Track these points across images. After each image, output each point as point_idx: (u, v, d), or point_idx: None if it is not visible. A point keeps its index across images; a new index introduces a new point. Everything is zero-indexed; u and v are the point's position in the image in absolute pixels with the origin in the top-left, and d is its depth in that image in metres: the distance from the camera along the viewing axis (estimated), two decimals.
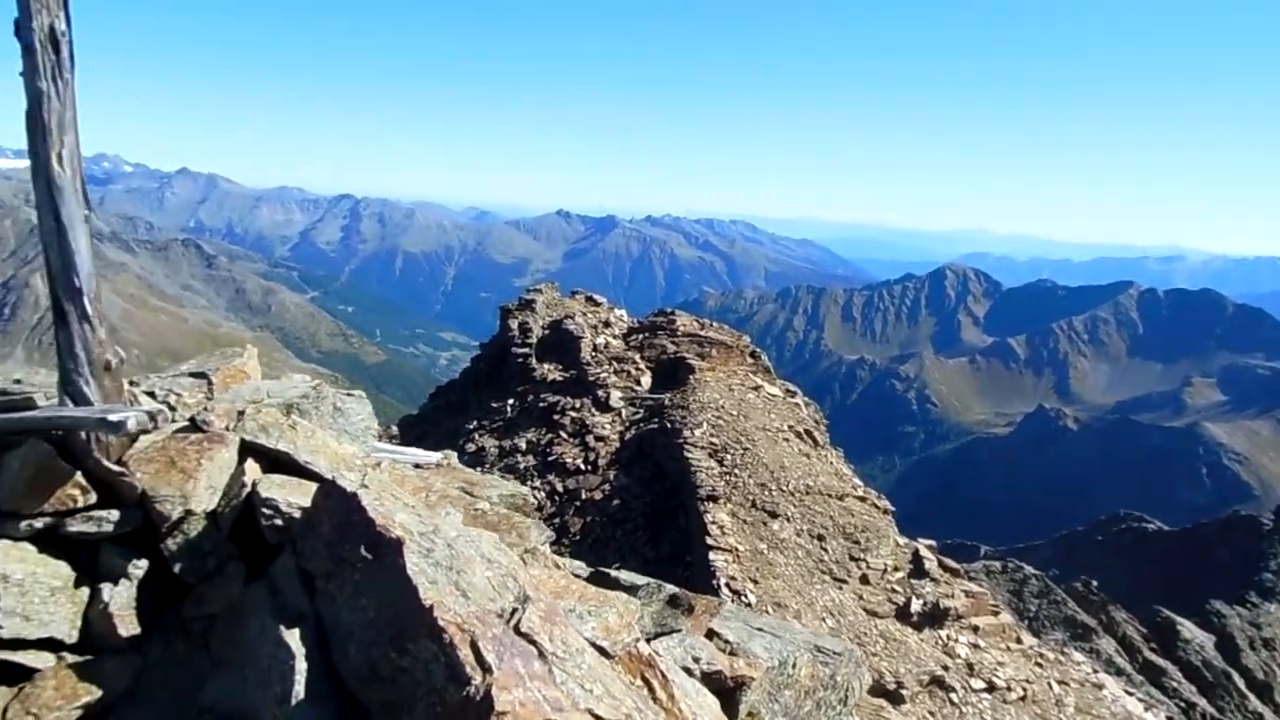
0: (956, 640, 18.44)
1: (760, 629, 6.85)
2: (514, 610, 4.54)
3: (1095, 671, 21.43)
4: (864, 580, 18.65)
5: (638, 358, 27.65)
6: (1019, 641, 19.96)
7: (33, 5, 4.82)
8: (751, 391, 25.20)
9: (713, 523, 18.14)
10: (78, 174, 5.26)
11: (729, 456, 20.77)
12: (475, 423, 26.89)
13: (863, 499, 21.47)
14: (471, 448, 24.93)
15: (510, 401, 26.97)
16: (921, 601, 18.51)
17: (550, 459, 23.54)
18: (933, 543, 23.00)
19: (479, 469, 19.18)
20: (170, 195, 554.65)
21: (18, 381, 6.08)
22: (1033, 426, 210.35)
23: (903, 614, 18.19)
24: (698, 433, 21.68)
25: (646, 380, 26.81)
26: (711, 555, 17.16)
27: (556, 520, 21.25)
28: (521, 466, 23.45)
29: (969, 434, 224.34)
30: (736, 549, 17.54)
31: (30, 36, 4.87)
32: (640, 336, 29.25)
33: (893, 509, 22.32)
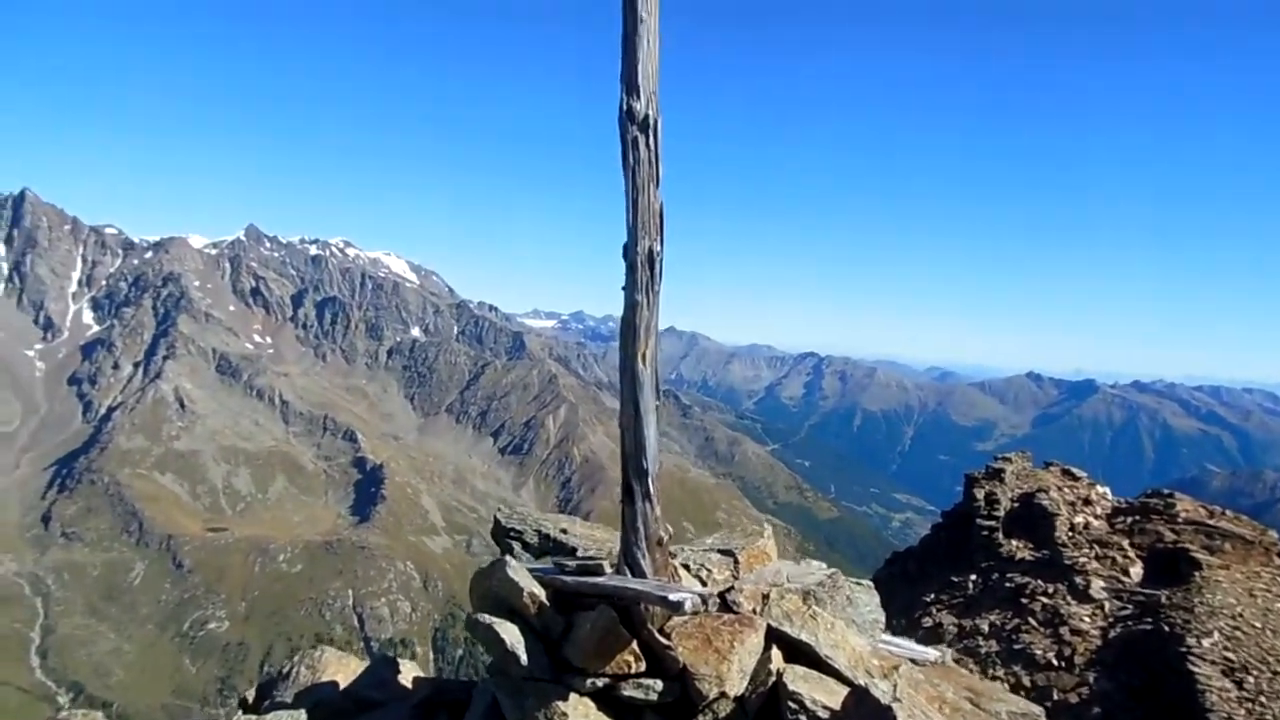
0: None
1: None
2: None
3: None
4: None
5: (1125, 544, 24.26)
6: None
7: (638, 233, 6.01)
8: None
9: None
10: (656, 371, 6.26)
11: (1251, 679, 17.02)
12: (933, 596, 25.45)
13: None
14: (928, 622, 23.56)
15: (972, 577, 25.17)
16: None
17: (1016, 647, 21.29)
18: None
19: (934, 646, 18.02)
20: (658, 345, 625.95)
21: (564, 531, 7.16)
22: None
23: None
24: (1206, 643, 18.17)
25: (1136, 571, 23.34)
26: None
27: None
28: (982, 651, 21.52)
29: None
30: None
31: (633, 257, 6.05)
32: (1128, 519, 25.73)
33: None
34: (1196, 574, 21.17)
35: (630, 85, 5.99)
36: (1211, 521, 24.30)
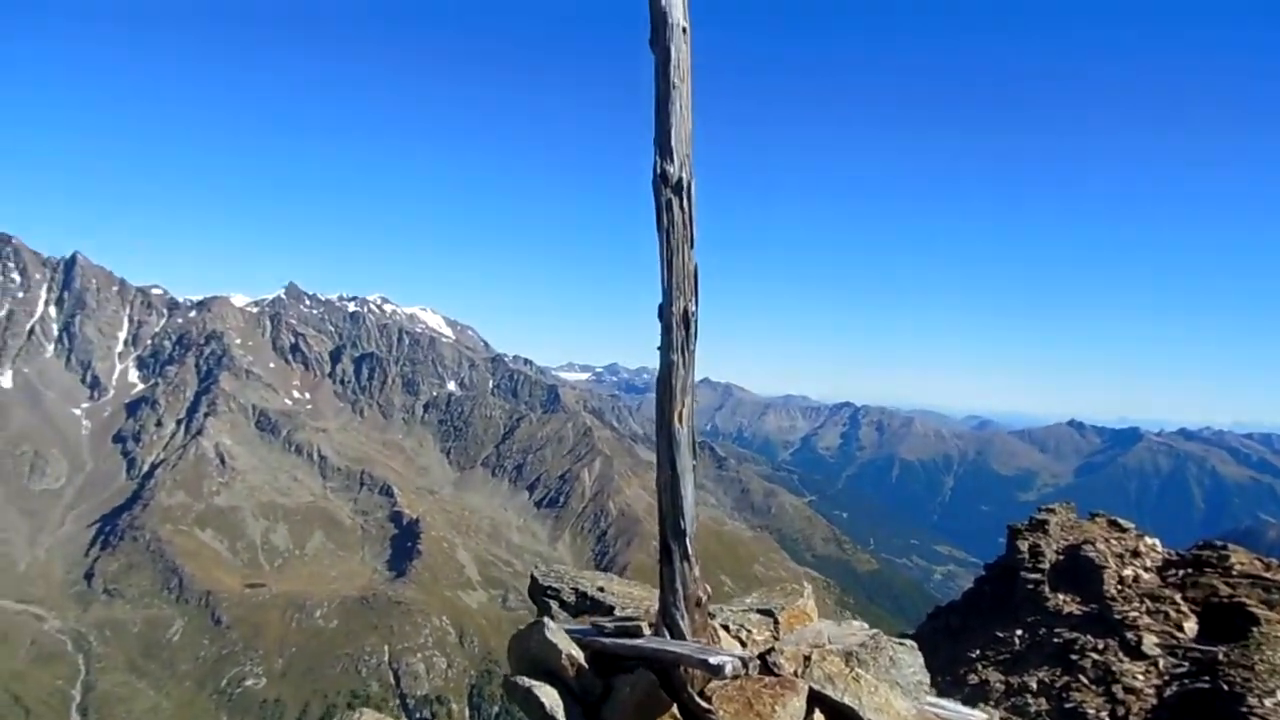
0: None
1: None
2: None
3: None
4: None
5: (1178, 598, 23.50)
6: None
7: (673, 293, 6.08)
8: None
9: None
10: (692, 431, 6.27)
11: None
12: (978, 652, 24.80)
13: None
14: (974, 679, 22.94)
15: (1018, 632, 24.52)
16: None
17: (1067, 706, 20.63)
18: None
19: (979, 705, 17.49)
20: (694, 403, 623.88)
21: (601, 589, 7.12)
22: None
23: None
24: (1269, 703, 17.48)
25: (1190, 626, 22.56)
26: None
27: None
28: (1032, 709, 20.88)
29: None
30: None
31: (669, 318, 6.11)
32: (1180, 572, 24.95)
33: None
34: (1255, 629, 20.44)
35: (664, 149, 6.09)
36: (1269, 574, 23.50)
